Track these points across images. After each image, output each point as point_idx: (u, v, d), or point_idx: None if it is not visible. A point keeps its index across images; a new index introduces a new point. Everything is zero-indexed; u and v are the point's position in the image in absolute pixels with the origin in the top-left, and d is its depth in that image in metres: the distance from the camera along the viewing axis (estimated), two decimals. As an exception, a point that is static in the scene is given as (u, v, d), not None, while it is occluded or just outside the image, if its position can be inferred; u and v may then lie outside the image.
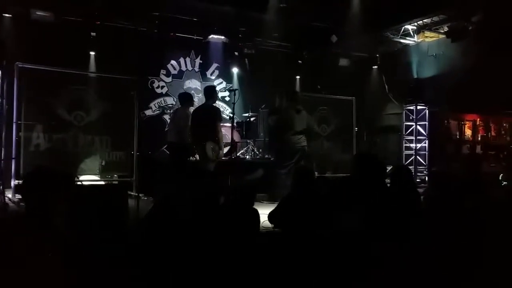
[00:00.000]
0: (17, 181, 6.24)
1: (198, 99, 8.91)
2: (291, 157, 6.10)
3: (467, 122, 8.87)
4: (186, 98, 6.52)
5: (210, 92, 6.02)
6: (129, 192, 5.64)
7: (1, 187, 5.88)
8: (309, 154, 6.50)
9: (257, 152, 7.88)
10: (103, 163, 7.51)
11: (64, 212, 1.86)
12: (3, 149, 6.12)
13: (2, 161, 6.16)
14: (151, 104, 8.66)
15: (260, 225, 4.43)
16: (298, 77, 9.29)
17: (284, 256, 2.57)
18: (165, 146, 7.87)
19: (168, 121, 8.49)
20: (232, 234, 2.95)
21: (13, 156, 6.45)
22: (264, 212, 4.86)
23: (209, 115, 5.86)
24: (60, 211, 1.83)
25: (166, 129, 8.52)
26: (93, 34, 7.40)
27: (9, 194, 6.01)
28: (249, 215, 3.59)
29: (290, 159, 6.08)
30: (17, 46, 6.59)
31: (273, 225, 4.02)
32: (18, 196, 5.51)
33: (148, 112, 8.61)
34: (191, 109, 6.39)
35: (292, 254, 2.60)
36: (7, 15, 6.77)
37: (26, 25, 6.80)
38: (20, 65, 6.44)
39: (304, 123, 6.16)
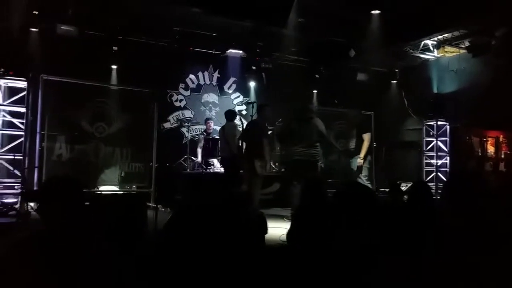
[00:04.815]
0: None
1: (216, 112, 9.04)
2: (292, 171, 5.85)
3: (489, 139, 8.63)
4: (232, 114, 7.12)
5: (261, 109, 6.29)
6: (147, 203, 5.71)
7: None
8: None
9: (273, 166, 7.86)
10: (123, 174, 7.63)
11: (79, 221, 1.89)
12: (26, 158, 6.31)
13: (26, 170, 6.34)
14: (170, 117, 8.79)
15: (279, 238, 4.41)
16: (315, 91, 9.27)
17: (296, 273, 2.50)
18: (182, 159, 7.97)
19: (186, 133, 8.63)
20: (241, 242, 2.92)
21: (36, 165, 6.62)
22: (284, 226, 4.85)
23: (257, 131, 6.06)
24: (75, 220, 1.86)
25: (183, 141, 8.64)
26: (115, 48, 7.58)
27: (31, 203, 6.14)
28: (254, 221, 3.58)
29: (292, 173, 5.84)
30: (43, 59, 6.81)
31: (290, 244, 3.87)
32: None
33: (167, 125, 8.74)
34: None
35: (305, 271, 2.53)
36: (34, 29, 7.01)
37: (51, 39, 7.00)
38: (44, 77, 6.66)
39: (310, 134, 5.75)
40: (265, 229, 3.74)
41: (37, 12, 6.78)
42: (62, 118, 7.22)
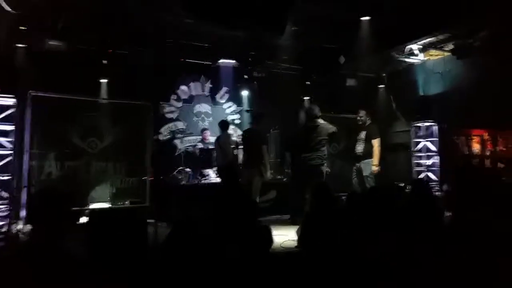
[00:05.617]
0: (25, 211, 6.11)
1: (209, 123, 8.98)
2: (297, 176, 6.08)
3: (474, 137, 8.90)
4: (226, 124, 7.58)
5: (257, 118, 6.52)
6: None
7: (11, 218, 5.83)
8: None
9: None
10: (114, 190, 7.48)
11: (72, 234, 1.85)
12: (14, 178, 6.10)
13: (14, 190, 6.12)
14: (161, 129, 8.68)
15: (280, 245, 4.41)
16: (306, 98, 9.35)
17: (304, 278, 2.50)
18: (176, 171, 7.86)
19: (179, 145, 8.52)
20: (245, 252, 2.90)
21: (25, 185, 6.40)
22: (284, 233, 4.84)
23: (255, 139, 6.22)
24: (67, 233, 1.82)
25: (176, 153, 8.53)
26: (104, 61, 7.44)
27: (19, 225, 5.90)
28: (260, 232, 3.58)
29: (297, 179, 6.06)
30: (31, 75, 6.62)
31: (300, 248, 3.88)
32: (29, 227, 5.35)
33: (160, 137, 8.60)
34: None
35: (314, 275, 2.53)
36: (21, 45, 6.81)
37: (39, 54, 6.81)
38: (33, 94, 6.49)
39: (312, 139, 5.89)
40: (270, 242, 3.73)
41: (24, 28, 6.59)
42: (52, 135, 7.06)
